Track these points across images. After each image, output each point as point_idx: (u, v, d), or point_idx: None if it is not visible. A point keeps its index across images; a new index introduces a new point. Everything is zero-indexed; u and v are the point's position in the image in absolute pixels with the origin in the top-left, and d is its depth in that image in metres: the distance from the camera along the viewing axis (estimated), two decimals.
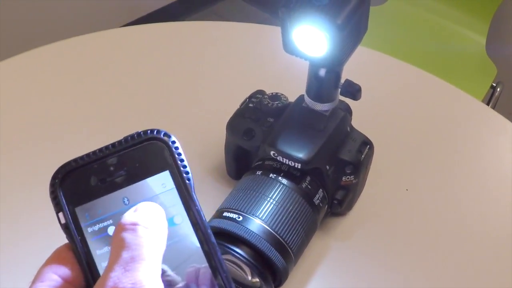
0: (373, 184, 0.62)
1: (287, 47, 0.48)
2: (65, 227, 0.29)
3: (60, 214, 0.29)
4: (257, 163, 0.55)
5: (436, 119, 0.75)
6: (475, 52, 1.33)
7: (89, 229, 0.29)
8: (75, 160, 0.30)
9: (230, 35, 0.87)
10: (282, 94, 0.59)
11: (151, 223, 0.28)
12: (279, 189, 0.52)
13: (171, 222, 0.29)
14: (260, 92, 0.60)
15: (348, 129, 0.57)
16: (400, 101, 0.77)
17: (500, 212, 0.64)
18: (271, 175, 0.53)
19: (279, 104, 0.58)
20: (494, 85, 1.26)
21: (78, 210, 0.29)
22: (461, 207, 0.64)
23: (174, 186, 0.30)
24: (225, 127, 0.59)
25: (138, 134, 0.30)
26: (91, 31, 0.83)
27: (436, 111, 0.76)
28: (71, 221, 0.29)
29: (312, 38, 0.46)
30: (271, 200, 0.51)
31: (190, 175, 0.31)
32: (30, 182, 0.63)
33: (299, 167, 0.52)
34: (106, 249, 0.29)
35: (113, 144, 0.30)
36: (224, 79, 0.78)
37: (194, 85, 0.77)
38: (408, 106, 0.77)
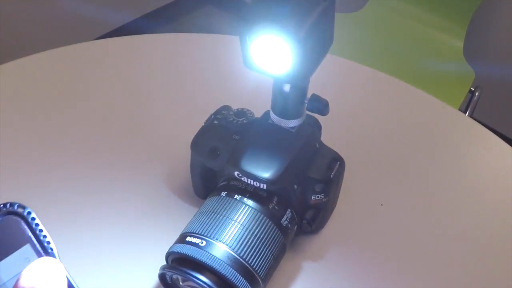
0: (345, 201, 0.60)
1: (247, 62, 0.46)
2: None
3: None
4: (222, 183, 0.53)
5: (410, 131, 0.73)
6: (453, 57, 1.32)
7: None
8: None
9: (196, 47, 0.84)
10: (248, 110, 0.57)
11: (49, 283, 0.26)
12: (244, 211, 0.49)
13: None
14: (226, 108, 0.58)
15: (317, 145, 0.54)
16: (372, 113, 0.75)
17: (478, 225, 0.62)
18: (236, 196, 0.50)
19: (244, 121, 0.55)
20: (473, 89, 1.25)
21: None
22: (438, 221, 0.62)
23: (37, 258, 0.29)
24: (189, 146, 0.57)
25: None
26: (62, 44, 0.80)
27: (410, 122, 0.74)
28: None
29: (273, 51, 0.43)
30: (236, 224, 0.48)
31: (51, 244, 0.30)
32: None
33: (265, 187, 0.50)
34: None
35: None
36: (190, 94, 0.76)
37: (158, 100, 0.75)
38: (381, 117, 0.75)
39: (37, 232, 0.29)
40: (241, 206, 0.49)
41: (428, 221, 0.62)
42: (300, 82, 0.47)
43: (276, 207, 0.50)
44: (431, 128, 0.74)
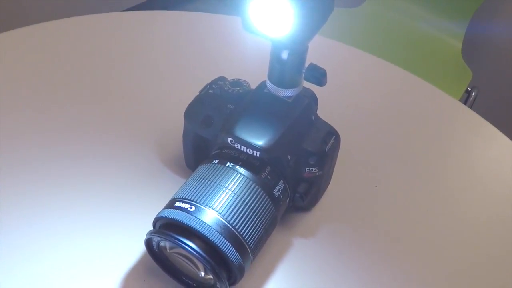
0: (339, 179, 0.59)
1: (246, 24, 0.44)
2: None
3: None
4: (215, 151, 0.51)
5: (408, 115, 0.72)
6: (450, 56, 1.32)
7: None
8: None
9: (194, 25, 0.83)
10: (244, 81, 0.55)
11: None
12: (236, 179, 0.48)
13: None
14: (221, 78, 0.57)
15: (313, 118, 0.53)
16: (370, 95, 0.74)
17: (471, 210, 0.61)
18: (228, 164, 0.49)
19: (240, 90, 0.54)
20: (469, 89, 1.24)
21: None
22: (432, 206, 0.61)
23: None
24: (181, 118, 0.55)
25: None
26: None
27: (408, 106, 0.73)
28: None
29: (274, 11, 0.42)
30: (227, 191, 0.47)
31: None
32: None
33: (258, 155, 0.49)
34: None
35: None
36: (185, 67, 0.75)
37: (152, 73, 0.74)
38: (379, 101, 0.74)
39: None
40: (233, 174, 0.48)
41: (421, 205, 0.61)
42: (299, 45, 0.46)
43: (268, 177, 0.49)
44: (429, 115, 0.73)
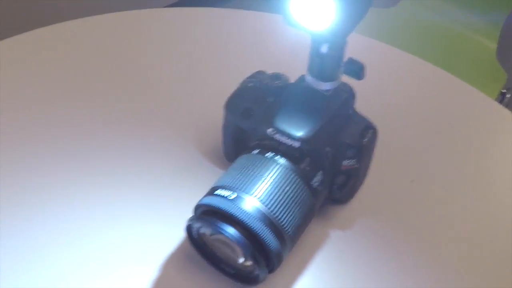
0: (376, 174, 0.59)
1: (287, 18, 0.46)
2: None
3: None
4: (254, 143, 0.53)
5: (444, 113, 0.72)
6: (485, 58, 1.31)
7: None
8: None
9: (234, 22, 0.85)
10: (283, 74, 0.57)
11: None
12: (275, 169, 0.49)
13: None
14: (260, 72, 0.58)
15: (351, 111, 0.54)
16: (407, 92, 0.75)
17: (508, 208, 0.61)
18: (268, 154, 0.50)
19: (279, 84, 0.55)
20: (504, 91, 1.23)
21: None
22: (468, 203, 0.61)
23: None
24: (220, 110, 0.57)
25: None
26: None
27: (444, 104, 0.74)
28: None
29: (315, 5, 0.43)
30: (267, 180, 0.48)
31: None
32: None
33: (298, 146, 0.50)
34: None
35: None
36: (224, 64, 0.76)
37: (192, 68, 0.75)
38: (415, 97, 0.74)
39: None
40: (273, 164, 0.49)
41: (456, 203, 0.61)
42: (339, 39, 0.47)
43: (307, 168, 0.50)
44: (465, 114, 0.73)
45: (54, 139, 0.63)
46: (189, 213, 0.50)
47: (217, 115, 0.58)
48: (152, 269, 0.52)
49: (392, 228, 0.58)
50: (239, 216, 0.46)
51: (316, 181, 0.51)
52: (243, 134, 0.56)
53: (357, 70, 0.50)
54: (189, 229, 0.50)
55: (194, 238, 0.51)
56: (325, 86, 0.52)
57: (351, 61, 0.50)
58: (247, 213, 0.46)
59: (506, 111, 0.74)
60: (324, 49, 0.49)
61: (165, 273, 0.52)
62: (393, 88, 0.75)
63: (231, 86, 0.58)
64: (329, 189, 0.54)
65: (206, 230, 0.49)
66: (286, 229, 0.47)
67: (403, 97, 0.74)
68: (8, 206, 0.56)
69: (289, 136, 0.50)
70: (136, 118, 0.67)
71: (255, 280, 0.48)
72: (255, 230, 0.45)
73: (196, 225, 0.49)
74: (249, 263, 0.47)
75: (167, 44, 0.79)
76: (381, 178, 0.61)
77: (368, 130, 0.54)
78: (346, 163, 0.53)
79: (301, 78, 0.54)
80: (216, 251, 0.50)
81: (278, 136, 0.50)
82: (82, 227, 0.55)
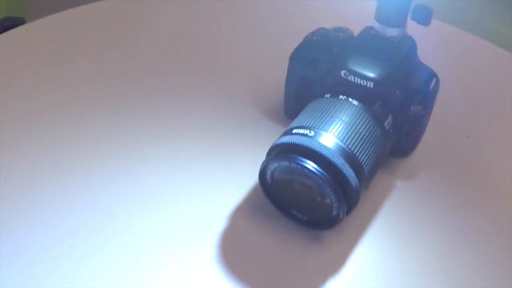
0: (433, 129, 0.60)
1: None
2: None
3: None
4: (324, 89, 0.54)
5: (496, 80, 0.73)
6: (507, 46, 1.32)
7: None
8: None
9: None
10: (346, 28, 0.58)
11: None
12: (349, 109, 0.50)
13: None
14: (322, 28, 0.59)
15: (416, 60, 0.55)
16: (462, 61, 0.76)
17: None
18: (340, 96, 0.51)
19: (344, 35, 0.56)
20: None
21: None
22: None
23: None
24: (280, 68, 0.59)
25: None
26: None
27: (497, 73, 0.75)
28: None
29: None
30: (342, 119, 0.49)
31: None
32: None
33: (371, 86, 0.51)
34: None
35: None
36: (282, 24, 0.78)
37: (250, 31, 0.77)
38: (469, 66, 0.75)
39: None
40: (347, 104, 0.50)
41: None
42: None
43: (379, 110, 0.51)
44: None
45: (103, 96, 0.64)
46: (251, 170, 0.51)
47: (276, 73, 0.60)
48: (221, 223, 0.53)
49: (452, 181, 0.59)
50: (320, 150, 0.46)
51: (387, 123, 0.52)
52: (308, 86, 0.57)
53: (425, 14, 0.51)
54: (262, 173, 0.50)
55: (266, 184, 0.51)
56: (393, 32, 0.53)
57: (419, 6, 0.51)
58: (328, 148, 0.46)
59: None
60: None
61: (234, 226, 0.53)
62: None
63: (290, 44, 0.59)
64: (397, 135, 0.54)
65: (282, 171, 0.49)
66: (363, 166, 0.48)
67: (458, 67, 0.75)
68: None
69: (363, 77, 0.51)
70: (194, 78, 0.68)
71: (332, 221, 0.49)
72: (336, 164, 0.46)
73: (272, 166, 0.49)
74: (327, 200, 0.48)
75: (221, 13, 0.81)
76: (438, 133, 0.62)
77: (432, 78, 0.55)
78: (413, 108, 0.54)
79: (367, 28, 0.55)
80: (288, 196, 0.51)
81: (351, 78, 0.51)
82: (150, 188, 0.56)
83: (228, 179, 0.57)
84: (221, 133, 0.62)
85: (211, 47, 0.74)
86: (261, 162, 0.50)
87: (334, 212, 0.48)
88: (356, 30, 0.56)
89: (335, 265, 0.50)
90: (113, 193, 0.55)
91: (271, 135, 0.55)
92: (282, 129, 0.53)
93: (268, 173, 0.50)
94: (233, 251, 0.51)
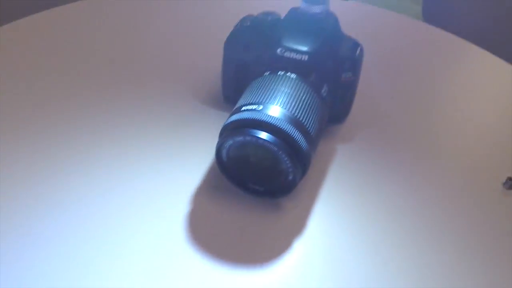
0: (361, 95, 0.66)
1: None
2: None
3: None
4: (262, 69, 0.58)
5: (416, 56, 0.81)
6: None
7: None
8: None
9: None
10: (274, 11, 0.62)
11: None
12: (289, 82, 0.54)
13: None
14: (250, 15, 0.63)
15: (339, 32, 0.60)
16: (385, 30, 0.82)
17: (487, 123, 0.70)
18: (279, 72, 0.55)
19: (273, 18, 0.61)
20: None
21: None
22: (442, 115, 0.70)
23: None
24: (213, 59, 0.63)
25: None
26: None
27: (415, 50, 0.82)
28: None
29: None
30: (285, 91, 0.53)
31: None
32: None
33: (306, 59, 0.55)
34: None
35: None
36: (209, 23, 0.82)
37: (181, 27, 0.80)
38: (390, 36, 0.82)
39: None
40: (286, 78, 0.55)
41: (435, 115, 0.70)
42: None
43: (315, 80, 0.56)
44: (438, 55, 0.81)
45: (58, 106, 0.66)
46: (202, 156, 0.56)
47: (206, 63, 0.65)
48: (184, 205, 0.56)
49: (385, 140, 0.65)
50: (271, 121, 0.50)
51: (324, 91, 0.57)
52: (244, 69, 0.61)
53: None
54: (218, 152, 0.54)
55: (223, 163, 0.55)
56: (318, 9, 0.58)
57: None
58: (277, 118, 0.51)
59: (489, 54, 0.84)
60: None
61: (197, 206, 0.56)
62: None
63: (219, 36, 0.63)
64: (333, 102, 0.59)
65: (237, 146, 0.53)
66: (310, 130, 0.53)
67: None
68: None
69: (298, 52, 0.55)
70: (132, 79, 0.71)
71: (289, 186, 0.53)
72: (287, 131, 0.50)
73: (227, 143, 0.53)
74: (283, 166, 0.52)
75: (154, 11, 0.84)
76: (365, 97, 0.68)
77: (357, 47, 0.61)
78: (344, 76, 0.59)
79: (292, 9, 0.60)
80: (245, 171, 0.55)
81: (287, 54, 0.56)
82: (106, 182, 0.58)
83: (184, 167, 0.60)
84: (167, 127, 0.65)
85: (141, 45, 0.77)
86: (212, 147, 0.53)
87: (290, 177, 0.52)
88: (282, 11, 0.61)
89: (295, 227, 0.55)
90: (76, 187, 0.57)
91: (214, 121, 0.60)
92: (224, 114, 0.57)
93: (224, 152, 0.54)
94: (198, 230, 0.54)
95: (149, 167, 0.60)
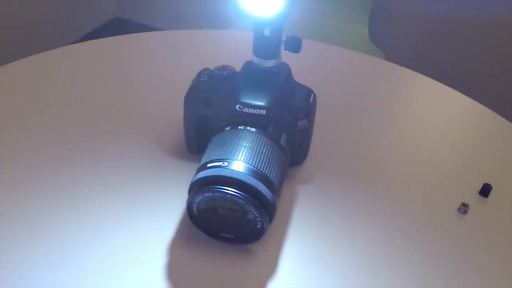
0: (318, 135, 0.70)
1: (237, 6, 0.55)
2: None
3: None
4: (222, 124, 0.61)
5: (360, 85, 0.86)
6: (361, 43, 1.47)
7: None
8: None
9: (171, 42, 0.94)
10: (229, 65, 0.66)
11: None
12: (250, 136, 0.58)
13: None
14: (206, 69, 0.67)
15: (293, 82, 0.65)
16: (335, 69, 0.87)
17: (437, 154, 0.75)
18: (239, 127, 0.59)
19: (228, 72, 0.64)
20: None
21: None
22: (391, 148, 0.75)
23: None
24: (175, 110, 0.66)
25: None
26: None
27: (359, 79, 0.87)
28: None
29: None
30: (247, 147, 0.57)
31: None
32: None
33: (264, 113, 0.59)
34: None
35: None
36: (169, 76, 0.85)
37: (143, 85, 0.83)
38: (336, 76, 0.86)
39: None
40: (246, 133, 0.58)
41: (387, 151, 0.75)
42: (283, 22, 0.57)
43: (274, 131, 0.60)
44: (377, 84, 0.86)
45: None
46: (175, 205, 0.59)
47: (172, 116, 0.67)
48: (159, 256, 0.59)
49: (344, 175, 0.70)
50: (236, 176, 0.54)
51: (282, 141, 0.61)
52: (204, 123, 0.64)
53: (296, 44, 0.60)
54: (189, 208, 0.57)
55: (194, 216, 0.58)
56: (271, 63, 0.62)
57: (290, 37, 0.60)
58: (242, 173, 0.54)
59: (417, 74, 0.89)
60: (267, 31, 0.59)
61: (172, 257, 0.59)
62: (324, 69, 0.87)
63: (180, 91, 0.66)
64: (291, 149, 0.63)
65: (207, 201, 0.56)
66: (273, 181, 0.56)
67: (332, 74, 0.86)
68: None
69: (255, 107, 0.59)
70: (96, 133, 0.74)
71: (259, 233, 0.57)
72: (252, 185, 0.54)
73: (197, 199, 0.56)
74: (251, 216, 0.56)
75: (121, 72, 0.86)
76: (322, 138, 0.72)
77: (310, 94, 0.65)
78: (300, 123, 0.63)
79: (247, 63, 0.64)
80: (216, 221, 0.58)
81: (246, 109, 0.60)
82: (89, 235, 0.60)
83: (157, 219, 0.62)
84: (136, 181, 0.67)
85: (104, 99, 0.80)
86: (182, 198, 0.56)
87: (259, 225, 0.56)
88: (236, 63, 0.64)
89: (267, 269, 0.58)
90: (48, 247, 0.59)
91: (181, 172, 0.64)
92: (188, 164, 0.62)
93: (194, 206, 0.57)
94: (174, 279, 0.57)
95: (121, 222, 0.62)
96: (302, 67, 0.70)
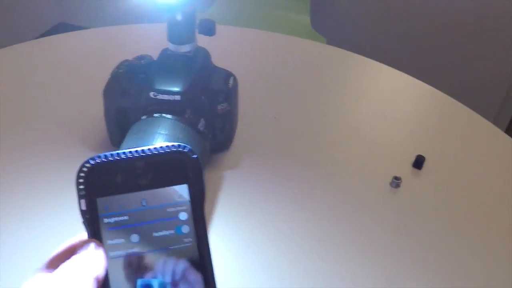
0: (245, 119, 0.70)
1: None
2: (84, 213, 0.31)
3: (82, 201, 0.31)
4: (139, 114, 0.60)
5: (293, 69, 0.85)
6: (303, 30, 1.47)
7: (105, 220, 0.31)
8: (106, 155, 0.32)
9: (95, 40, 0.92)
10: (147, 54, 0.65)
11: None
12: (165, 123, 0.57)
13: (178, 230, 0.32)
14: (125, 60, 0.66)
15: (212, 66, 0.64)
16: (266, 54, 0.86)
17: (372, 129, 0.75)
18: (155, 115, 0.58)
19: (146, 62, 0.63)
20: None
21: (99, 200, 0.31)
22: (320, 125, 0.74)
23: (189, 199, 0.32)
24: (94, 105, 0.65)
25: (168, 146, 0.32)
26: None
27: (290, 64, 0.86)
28: (90, 208, 0.31)
29: None
30: (162, 133, 0.56)
31: (204, 194, 0.33)
32: None
33: (178, 98, 0.58)
34: (117, 241, 0.31)
35: (143, 150, 0.32)
36: (93, 73, 0.83)
37: (65, 85, 0.82)
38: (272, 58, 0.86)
39: (198, 179, 0.32)
40: (162, 120, 0.57)
41: (311, 131, 0.74)
42: (192, 6, 0.57)
43: (191, 117, 0.59)
44: (312, 64, 0.86)
45: None
46: None
47: (94, 111, 0.66)
48: None
49: (271, 160, 0.69)
50: None
51: (201, 125, 0.60)
52: (125, 115, 0.63)
53: (209, 26, 0.60)
54: None
55: None
56: (186, 48, 0.61)
57: (204, 20, 0.60)
58: None
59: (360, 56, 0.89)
60: (179, 16, 0.58)
61: None
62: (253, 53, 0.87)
63: (100, 84, 0.65)
64: (213, 134, 0.63)
65: None
66: None
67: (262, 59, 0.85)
68: None
69: (170, 93, 0.58)
70: (24, 133, 0.72)
71: None
72: None
73: None
74: None
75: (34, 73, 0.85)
76: (249, 121, 0.71)
77: (230, 77, 0.64)
78: (220, 107, 0.63)
79: (164, 50, 0.63)
80: None
81: (160, 96, 0.59)
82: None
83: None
84: (57, 176, 0.66)
85: (28, 99, 0.78)
86: None
87: None
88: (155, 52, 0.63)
89: None
90: None
91: None
92: None
93: None
94: None
95: (45, 220, 0.61)
96: (237, 54, 0.69)
